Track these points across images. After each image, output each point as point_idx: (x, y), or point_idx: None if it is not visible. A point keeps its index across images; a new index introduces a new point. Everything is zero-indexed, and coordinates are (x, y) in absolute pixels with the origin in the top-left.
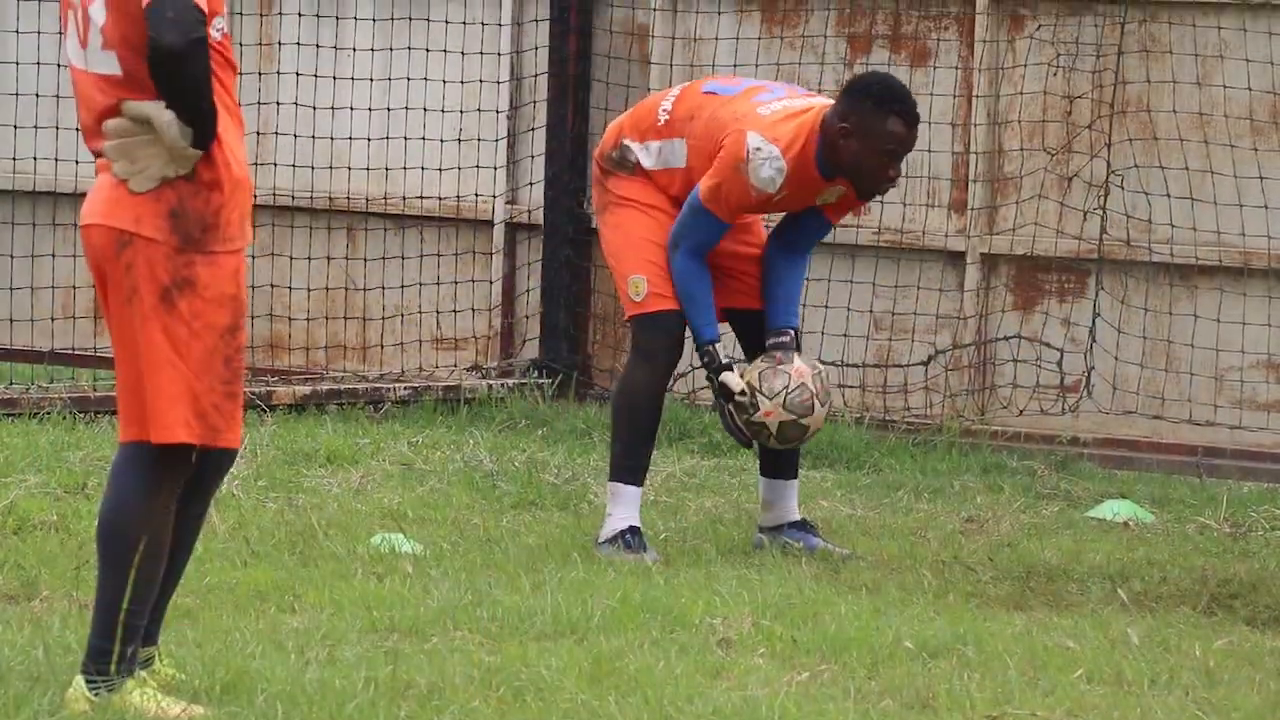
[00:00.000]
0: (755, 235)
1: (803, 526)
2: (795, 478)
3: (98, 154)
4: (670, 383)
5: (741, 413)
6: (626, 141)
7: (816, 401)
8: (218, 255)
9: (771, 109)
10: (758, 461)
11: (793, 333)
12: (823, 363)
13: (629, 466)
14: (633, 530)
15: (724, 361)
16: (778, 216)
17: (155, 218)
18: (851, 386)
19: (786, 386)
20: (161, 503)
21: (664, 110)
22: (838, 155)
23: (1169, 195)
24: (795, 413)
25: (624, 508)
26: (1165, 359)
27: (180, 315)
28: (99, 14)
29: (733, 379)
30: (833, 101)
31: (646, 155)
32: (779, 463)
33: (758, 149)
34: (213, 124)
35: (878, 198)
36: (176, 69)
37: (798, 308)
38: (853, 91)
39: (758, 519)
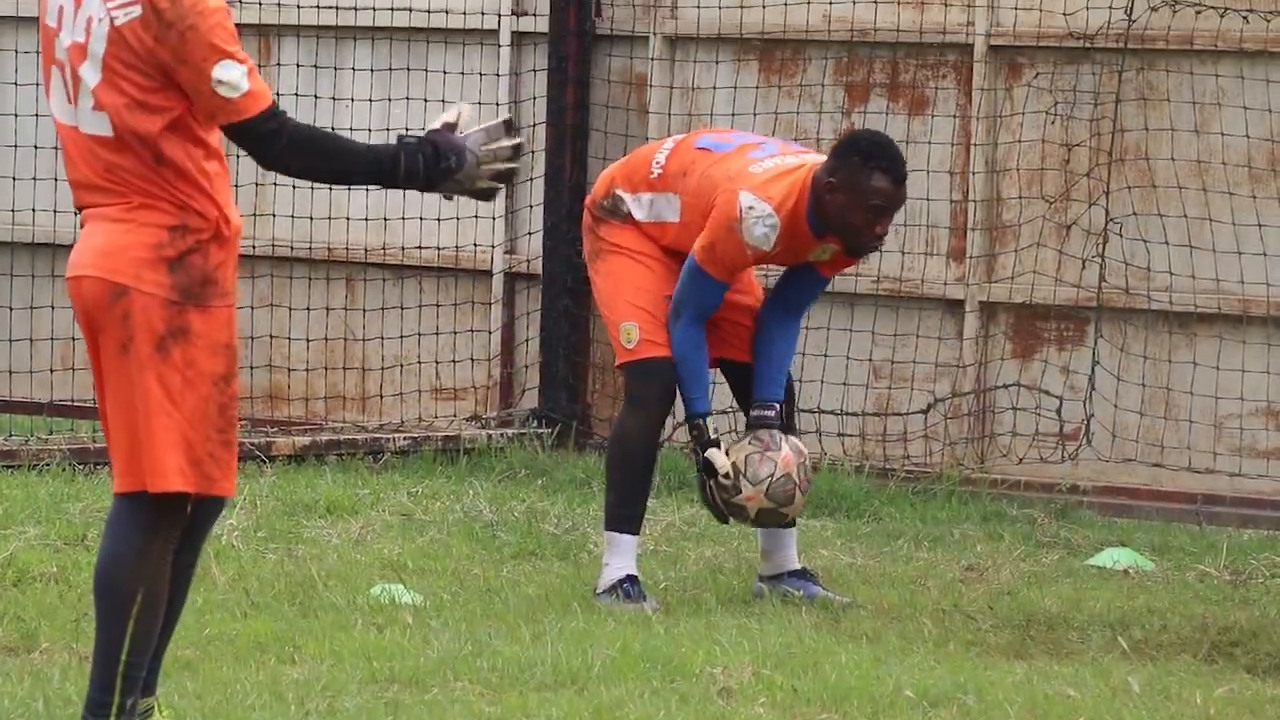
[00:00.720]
0: (747, 284)
1: (803, 575)
2: (793, 526)
3: (82, 208)
4: (669, 431)
5: (722, 492)
6: (619, 191)
7: (799, 491)
8: (213, 307)
9: (764, 166)
10: None
11: (778, 407)
12: (821, 412)
13: (624, 515)
14: (630, 579)
15: (711, 438)
16: (775, 269)
17: (155, 273)
18: (851, 435)
19: (772, 475)
20: (158, 553)
21: (657, 163)
22: (825, 211)
23: (1167, 243)
24: (776, 501)
25: (620, 557)
26: (1165, 406)
27: (175, 363)
28: (91, 76)
29: (719, 458)
30: (824, 158)
31: (638, 207)
32: None
33: (750, 208)
34: (348, 164)
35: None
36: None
37: (784, 376)
38: (841, 148)
39: (758, 568)
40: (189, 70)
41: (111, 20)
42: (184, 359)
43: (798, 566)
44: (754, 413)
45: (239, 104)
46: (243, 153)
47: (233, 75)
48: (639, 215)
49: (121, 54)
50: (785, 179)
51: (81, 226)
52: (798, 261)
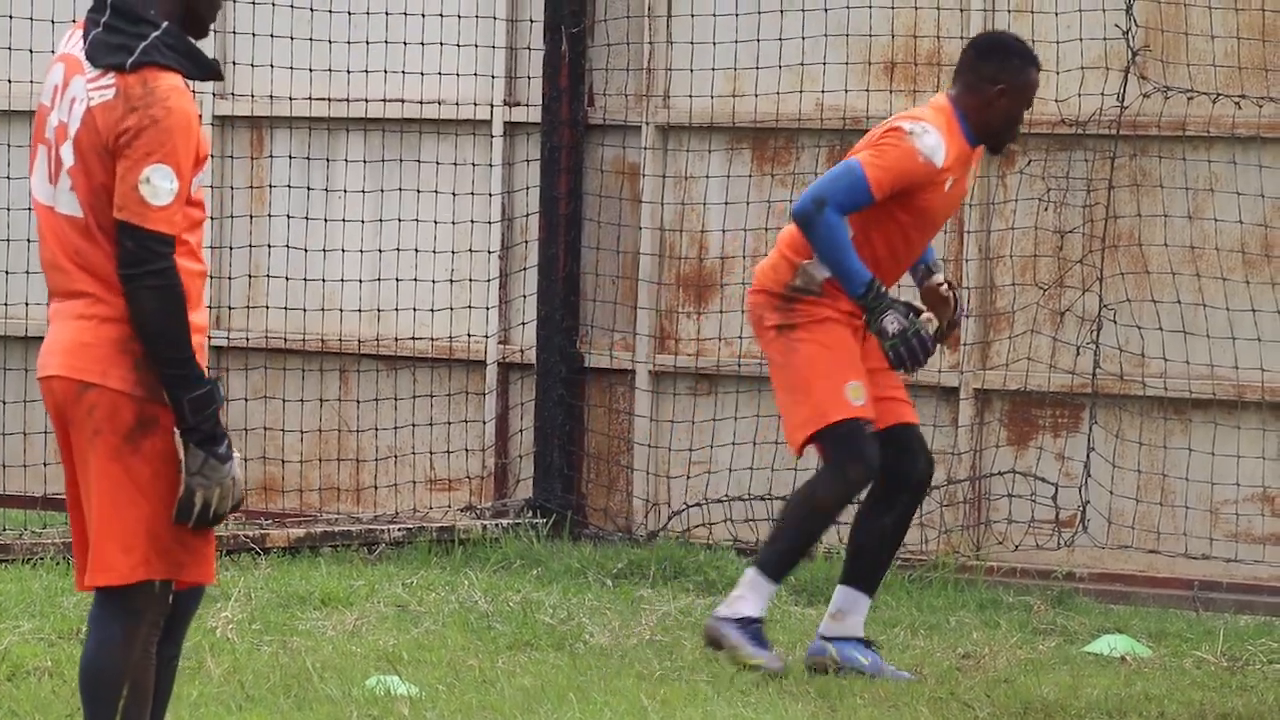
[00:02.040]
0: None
1: (868, 645)
2: (872, 596)
3: (55, 294)
4: (665, 520)
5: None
6: (802, 263)
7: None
8: None
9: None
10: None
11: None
12: None
13: (782, 565)
14: (759, 622)
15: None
16: None
17: (121, 369)
18: (845, 524)
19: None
20: (140, 644)
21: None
22: (993, 116)
23: (1162, 328)
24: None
25: (759, 599)
26: (1160, 492)
27: (144, 454)
28: (68, 157)
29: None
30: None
31: (823, 268)
32: (861, 574)
33: (912, 130)
34: (175, 344)
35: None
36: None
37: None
38: (994, 54)
39: (820, 626)
40: (129, 158)
41: (89, 101)
42: (153, 449)
43: (862, 635)
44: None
45: (150, 211)
46: (239, 245)
47: (163, 184)
48: (826, 273)
49: (90, 136)
50: (924, 109)
51: (49, 322)
52: (960, 198)
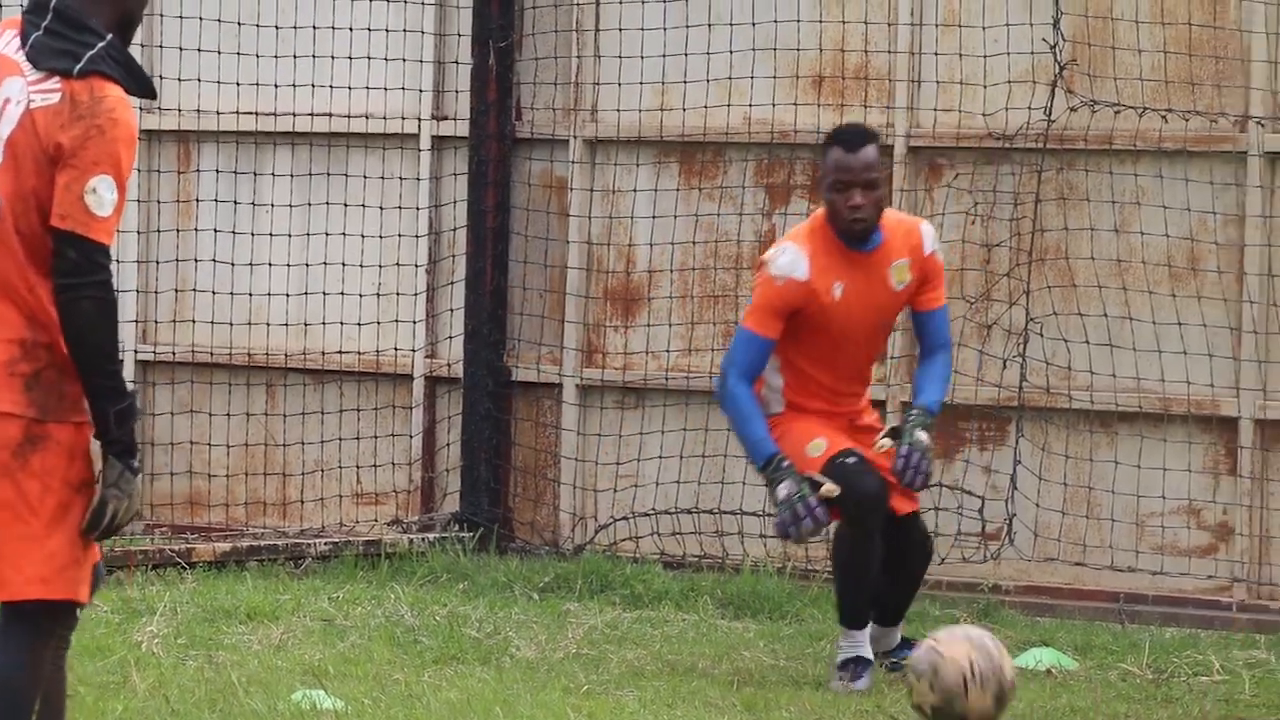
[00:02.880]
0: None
1: (909, 645)
2: (889, 624)
3: None
4: (592, 534)
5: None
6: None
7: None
8: (70, 422)
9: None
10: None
11: (920, 410)
12: (744, 513)
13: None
14: (858, 661)
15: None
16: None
17: (11, 391)
18: (773, 536)
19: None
20: (49, 660)
21: None
22: (826, 213)
23: (1088, 342)
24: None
25: (850, 643)
26: (1086, 505)
27: (33, 470)
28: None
29: (828, 483)
30: None
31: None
32: (895, 612)
33: (768, 256)
34: (105, 358)
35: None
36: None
37: (939, 392)
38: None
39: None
40: (75, 167)
41: (29, 103)
42: (43, 466)
43: (900, 640)
44: (910, 414)
45: (94, 221)
46: (165, 259)
47: (107, 195)
48: (777, 409)
49: (27, 139)
50: (799, 226)
51: None
52: (887, 298)
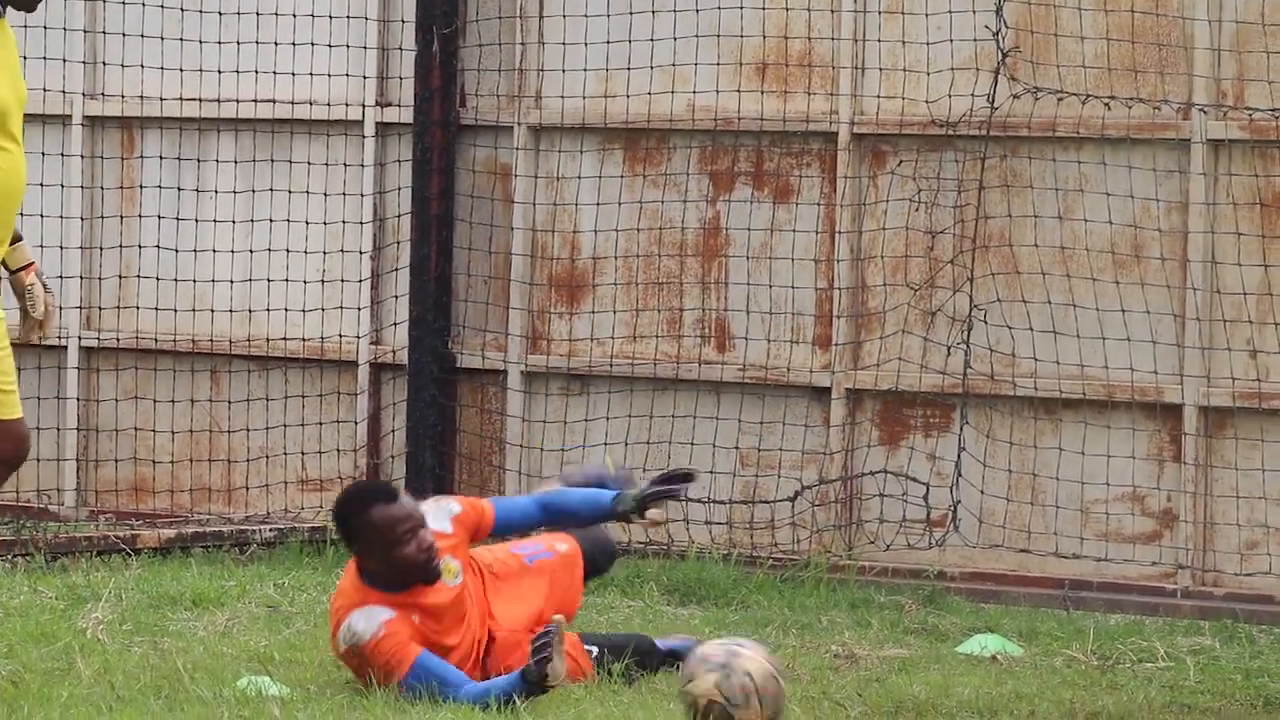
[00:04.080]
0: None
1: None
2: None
3: None
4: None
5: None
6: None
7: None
8: None
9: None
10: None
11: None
12: (689, 500)
13: None
14: None
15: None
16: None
17: None
18: (718, 523)
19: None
20: None
21: None
22: (385, 575)
23: (1032, 329)
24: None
25: None
26: (1031, 492)
27: None
28: None
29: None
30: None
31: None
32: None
33: (343, 636)
34: None
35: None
36: None
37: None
38: (338, 530)
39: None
40: None
41: None
42: None
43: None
44: (617, 509)
45: None
46: (109, 245)
47: None
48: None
49: None
50: (342, 599)
51: None
52: (452, 598)
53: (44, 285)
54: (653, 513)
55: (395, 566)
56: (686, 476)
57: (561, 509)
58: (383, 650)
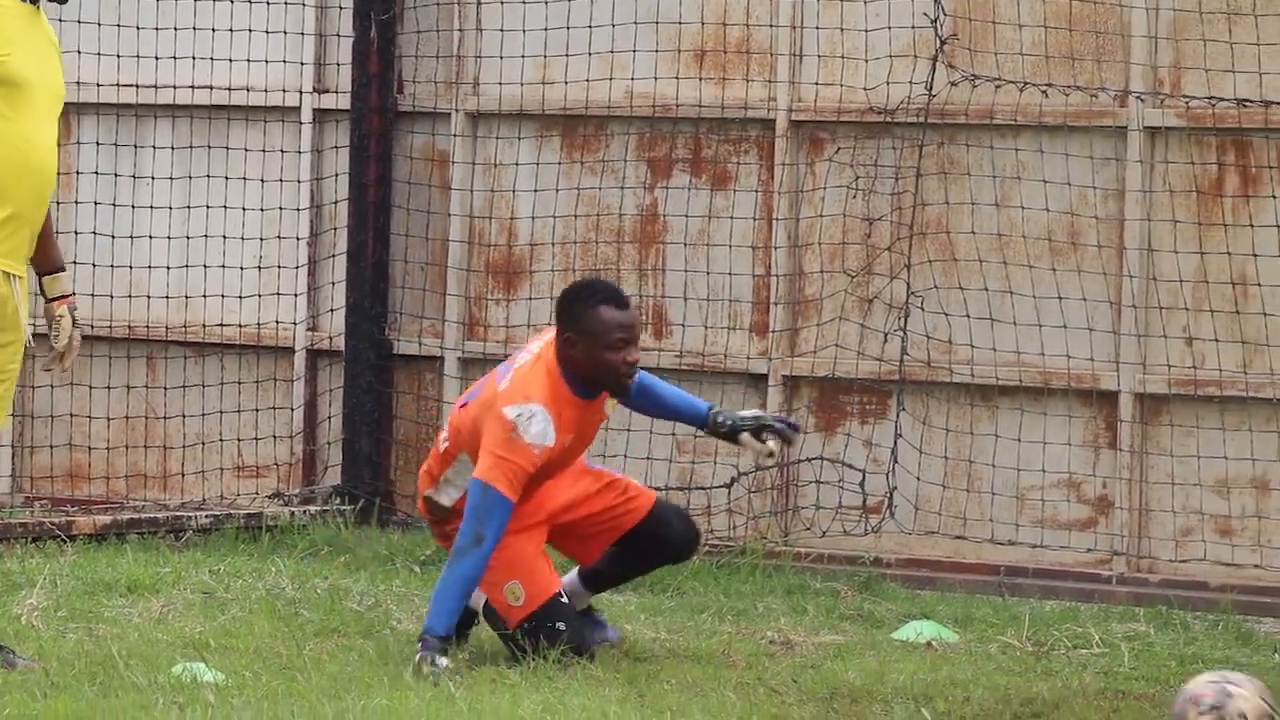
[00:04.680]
0: (582, 490)
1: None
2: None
3: None
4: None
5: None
6: (427, 493)
7: None
8: None
9: (508, 379)
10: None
11: (713, 408)
12: None
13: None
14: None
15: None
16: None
17: None
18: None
19: None
20: None
21: (443, 440)
22: (579, 368)
23: (969, 316)
24: None
25: None
26: (967, 479)
27: None
28: None
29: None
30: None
31: (446, 494)
32: (606, 585)
33: (518, 415)
34: None
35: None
36: None
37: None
38: (561, 305)
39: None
40: None
41: None
42: None
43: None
44: (716, 417)
45: None
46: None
47: None
48: (450, 500)
49: None
50: (531, 372)
51: None
52: (594, 431)
53: (74, 320)
54: (772, 444)
55: (597, 365)
56: (795, 428)
57: (655, 391)
58: (517, 458)
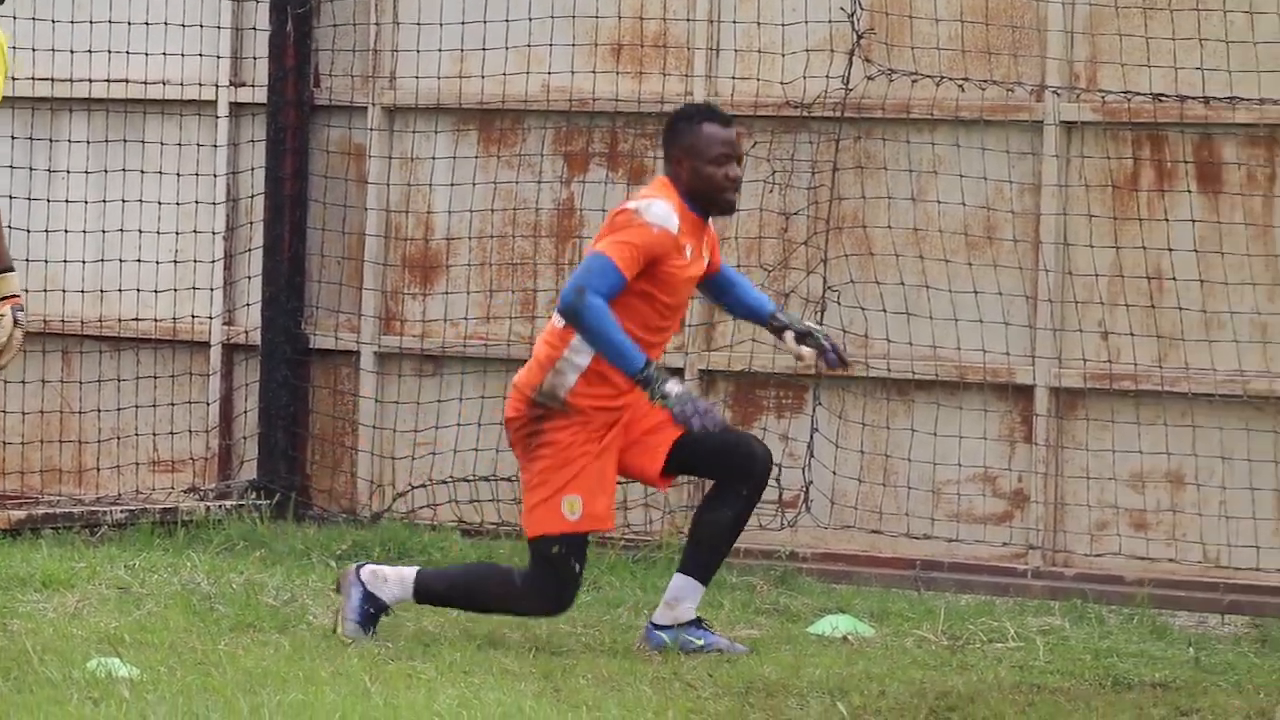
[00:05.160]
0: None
1: (700, 624)
2: (707, 584)
3: None
4: (389, 502)
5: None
6: (544, 382)
7: None
8: None
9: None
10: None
11: (778, 310)
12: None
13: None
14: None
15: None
16: None
17: None
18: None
19: None
20: None
21: (558, 318)
22: (688, 185)
23: (885, 310)
24: None
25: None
26: (883, 473)
27: None
28: None
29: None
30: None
31: (563, 381)
32: (699, 564)
33: (639, 207)
34: None
35: None
36: None
37: (762, 294)
38: (667, 127)
39: (654, 614)
40: None
41: None
42: None
43: (694, 617)
44: (777, 318)
45: None
46: None
47: None
48: (571, 382)
49: None
50: (648, 189)
51: None
52: (708, 259)
53: (16, 320)
54: (805, 350)
55: (702, 180)
56: (844, 363)
57: (730, 279)
58: (635, 236)
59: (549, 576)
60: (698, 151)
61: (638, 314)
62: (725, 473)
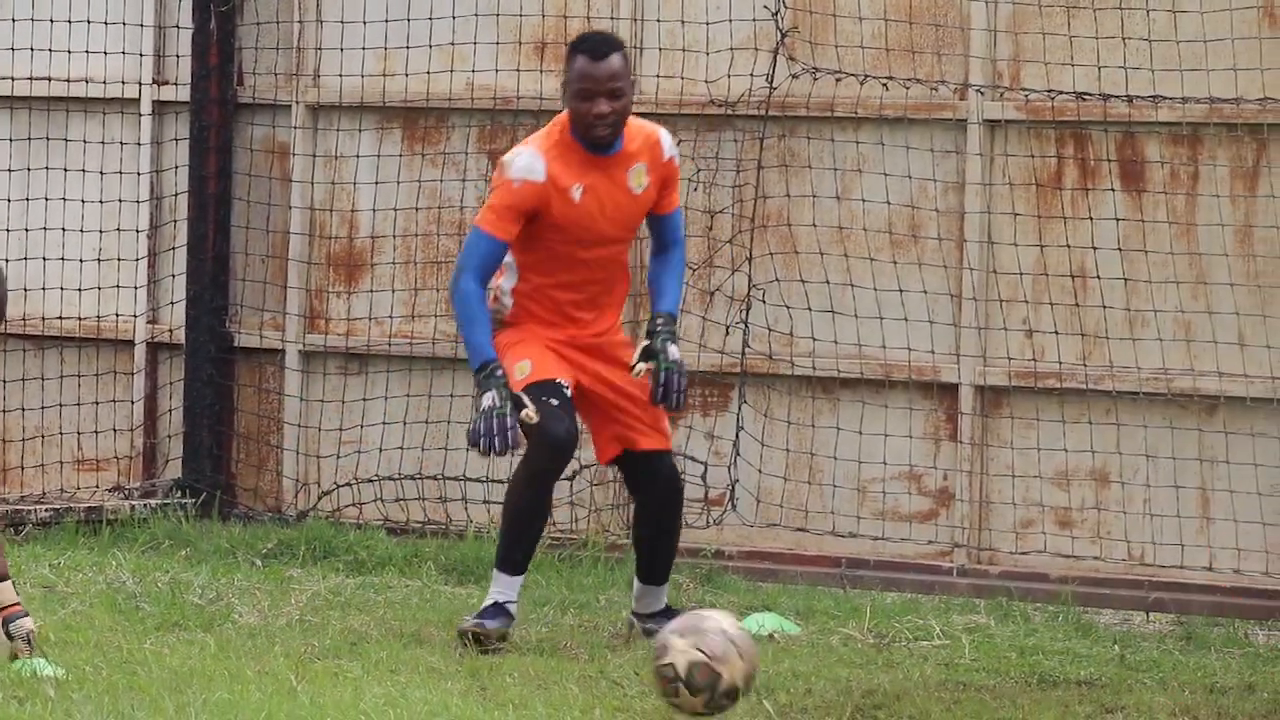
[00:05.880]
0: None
1: (669, 613)
2: (660, 583)
3: None
4: (314, 500)
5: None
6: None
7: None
8: None
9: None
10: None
11: (673, 319)
12: (467, 479)
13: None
14: (497, 605)
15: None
16: None
17: None
18: (497, 502)
19: (714, 685)
20: None
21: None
22: (570, 118)
23: (810, 308)
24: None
25: (500, 588)
26: (808, 471)
27: None
28: None
29: (526, 403)
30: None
31: (507, 287)
32: (642, 571)
33: (504, 160)
34: None
35: None
36: None
37: (677, 294)
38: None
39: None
40: None
41: None
42: None
43: (663, 606)
44: (656, 324)
45: None
46: None
47: None
48: (511, 284)
49: None
50: (537, 132)
51: None
52: (627, 202)
53: None
54: (641, 367)
55: (574, 116)
56: (671, 406)
57: (662, 265)
58: (499, 196)
59: (534, 426)
60: (569, 86)
61: (550, 266)
62: (635, 491)
